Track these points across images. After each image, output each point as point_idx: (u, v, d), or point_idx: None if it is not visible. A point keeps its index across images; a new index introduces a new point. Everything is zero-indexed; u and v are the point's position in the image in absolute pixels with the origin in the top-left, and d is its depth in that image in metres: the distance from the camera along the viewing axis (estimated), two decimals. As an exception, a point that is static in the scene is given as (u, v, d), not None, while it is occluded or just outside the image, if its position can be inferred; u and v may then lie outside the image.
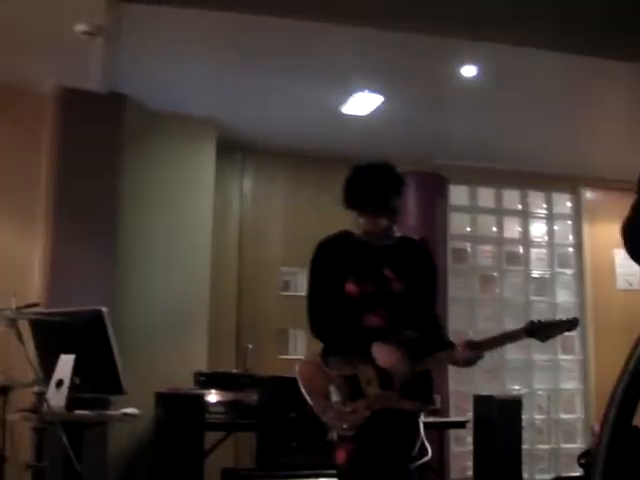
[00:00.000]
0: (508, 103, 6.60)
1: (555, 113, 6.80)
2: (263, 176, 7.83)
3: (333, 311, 3.39)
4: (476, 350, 3.21)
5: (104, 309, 4.72)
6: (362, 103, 6.55)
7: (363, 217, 3.43)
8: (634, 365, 0.85)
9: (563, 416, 8.29)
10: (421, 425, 3.36)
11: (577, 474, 7.17)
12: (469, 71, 5.96)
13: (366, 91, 6.35)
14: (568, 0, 5.15)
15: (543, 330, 3.19)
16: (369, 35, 5.36)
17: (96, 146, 6.32)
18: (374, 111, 6.68)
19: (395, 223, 3.48)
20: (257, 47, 5.63)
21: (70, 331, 4.66)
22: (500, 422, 6.35)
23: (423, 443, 3.33)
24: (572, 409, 8.33)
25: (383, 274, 3.39)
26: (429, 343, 3.33)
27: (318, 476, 5.38)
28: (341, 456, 3.28)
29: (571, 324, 3.26)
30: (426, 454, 3.37)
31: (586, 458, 6.82)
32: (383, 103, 6.53)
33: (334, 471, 3.36)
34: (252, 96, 6.56)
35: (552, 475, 7.32)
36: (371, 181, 3.42)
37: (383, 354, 3.24)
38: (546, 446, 8.20)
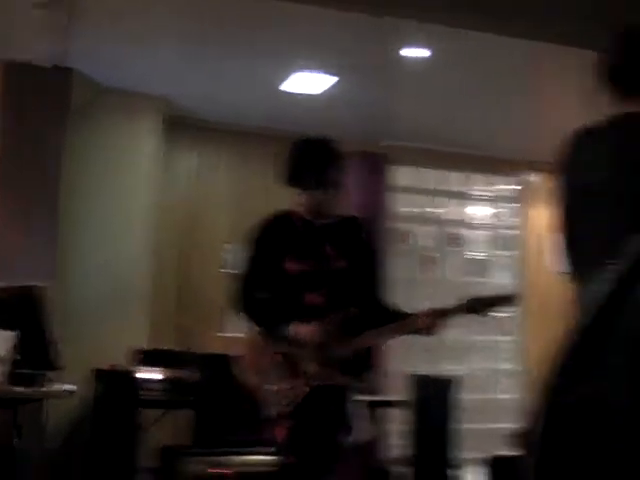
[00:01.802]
0: (457, 86, 6.62)
1: (502, 97, 6.84)
2: (210, 153, 7.77)
3: (272, 290, 3.38)
4: (442, 317, 3.25)
5: (40, 284, 4.66)
6: (309, 82, 6.53)
7: (303, 193, 3.42)
8: (570, 345, 0.86)
9: (499, 396, 8.40)
10: (358, 402, 3.37)
11: (513, 453, 7.26)
12: (419, 53, 5.95)
13: (314, 70, 6.33)
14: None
15: (482, 305, 3.25)
16: (318, 14, 5.31)
17: (41, 120, 6.22)
18: (324, 91, 6.67)
19: (335, 198, 3.46)
20: (206, 25, 5.57)
21: (6, 307, 4.60)
22: (436, 401, 6.41)
23: (359, 421, 3.35)
24: (508, 389, 8.44)
25: (324, 252, 3.39)
26: (371, 319, 3.34)
27: (256, 453, 5.39)
28: (280, 433, 3.28)
29: (509, 299, 3.32)
30: (362, 432, 3.38)
31: (522, 437, 6.91)
32: (333, 83, 6.52)
33: (273, 448, 3.36)
34: (201, 74, 6.52)
35: (488, 454, 7.40)
36: (308, 155, 3.41)
37: (302, 333, 3.25)
38: (482, 425, 8.30)
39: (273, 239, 3.44)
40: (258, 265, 3.43)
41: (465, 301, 3.27)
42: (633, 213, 2.19)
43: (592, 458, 1.56)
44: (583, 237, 2.39)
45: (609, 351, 1.39)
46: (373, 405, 6.47)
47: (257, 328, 3.41)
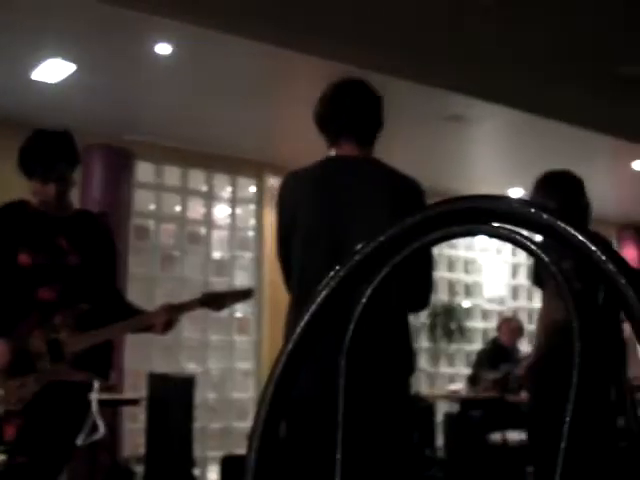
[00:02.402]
0: (200, 85, 6.65)
1: (245, 98, 6.94)
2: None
3: (3, 283, 3.24)
4: (177, 312, 3.24)
5: None
6: (53, 70, 6.30)
7: (34, 183, 3.32)
8: (291, 347, 0.89)
9: (236, 395, 8.51)
10: (94, 401, 3.31)
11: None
12: (164, 49, 5.92)
13: (59, 58, 6.12)
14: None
15: (217, 299, 3.30)
16: (59, 1, 5.17)
17: None
18: (66, 80, 6.45)
19: (66, 193, 3.38)
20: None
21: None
22: (174, 400, 6.40)
23: (95, 420, 3.28)
24: (245, 388, 8.56)
25: (58, 246, 3.29)
26: (106, 315, 3.28)
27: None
28: (9, 431, 3.15)
29: (245, 294, 3.40)
30: (98, 431, 3.31)
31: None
32: (76, 72, 6.32)
33: (2, 447, 3.23)
34: None
35: (223, 453, 7.49)
36: (40, 146, 3.31)
37: None
38: (218, 424, 8.38)
39: (6, 230, 3.30)
40: None
41: (200, 295, 3.30)
42: (332, 244, 2.69)
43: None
44: (293, 264, 2.89)
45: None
46: (110, 403, 6.36)
47: None
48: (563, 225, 0.77)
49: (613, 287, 0.76)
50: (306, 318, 0.89)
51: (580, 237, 0.77)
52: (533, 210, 0.79)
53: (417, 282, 2.85)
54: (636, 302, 0.75)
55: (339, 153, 2.89)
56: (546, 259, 0.81)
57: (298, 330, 0.89)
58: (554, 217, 0.78)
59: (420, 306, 2.99)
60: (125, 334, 3.67)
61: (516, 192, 9.75)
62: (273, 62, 6.16)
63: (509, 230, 0.83)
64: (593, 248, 0.76)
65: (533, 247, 0.82)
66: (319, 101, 2.99)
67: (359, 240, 0.89)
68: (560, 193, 3.77)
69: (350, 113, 2.88)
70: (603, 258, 0.76)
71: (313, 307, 0.89)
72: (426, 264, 2.89)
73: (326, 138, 2.95)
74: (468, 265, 10.67)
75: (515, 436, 6.84)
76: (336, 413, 0.93)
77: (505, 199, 0.82)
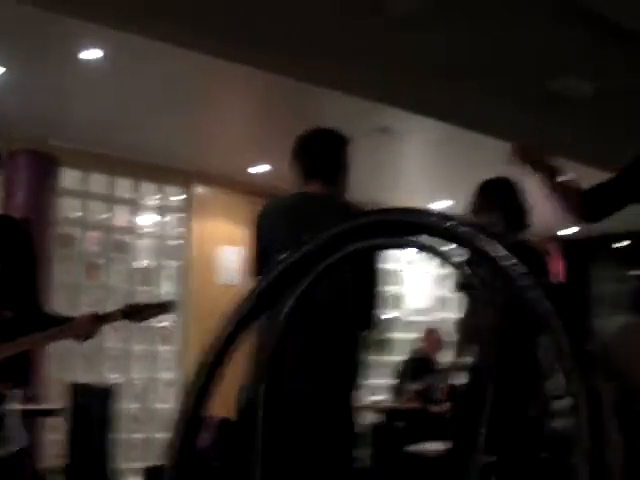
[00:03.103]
0: (130, 91, 6.58)
1: (175, 107, 6.89)
2: None
3: None
4: (100, 322, 3.21)
5: None
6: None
7: None
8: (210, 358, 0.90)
9: (159, 406, 8.43)
10: (13, 411, 3.24)
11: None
12: (93, 54, 5.85)
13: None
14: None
15: (139, 311, 3.28)
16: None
17: None
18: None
19: None
20: None
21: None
22: (95, 410, 6.32)
23: (14, 430, 3.22)
24: (168, 399, 8.48)
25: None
26: (28, 324, 3.23)
27: None
28: None
29: (167, 307, 3.40)
30: (20, 441, 3.25)
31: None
32: (3, 75, 6.21)
33: None
34: None
35: (146, 464, 7.41)
36: None
37: None
38: (141, 435, 8.28)
39: None
40: None
41: (122, 307, 3.29)
42: None
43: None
44: None
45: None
46: (30, 413, 6.24)
47: None
48: (481, 238, 0.79)
49: (526, 300, 0.78)
50: (228, 329, 0.90)
51: (496, 251, 0.78)
52: (453, 224, 0.81)
53: (361, 303, 3.23)
54: (553, 315, 0.77)
55: (307, 190, 3.43)
56: (467, 271, 0.83)
57: (218, 342, 0.90)
58: (474, 231, 0.80)
59: (364, 326, 3.32)
60: (46, 344, 3.63)
61: (443, 205, 9.86)
62: (202, 70, 6.14)
63: (430, 242, 0.85)
64: (507, 263, 0.78)
65: (455, 260, 0.84)
66: (293, 147, 3.53)
67: None
68: (500, 198, 3.96)
69: (315, 160, 3.46)
70: (516, 271, 0.78)
71: (236, 317, 0.90)
72: (371, 286, 3.27)
73: (299, 177, 3.47)
74: (393, 276, 10.75)
75: (436, 447, 6.91)
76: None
77: (425, 212, 0.84)
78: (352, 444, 3.32)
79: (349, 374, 3.23)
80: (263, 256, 3.29)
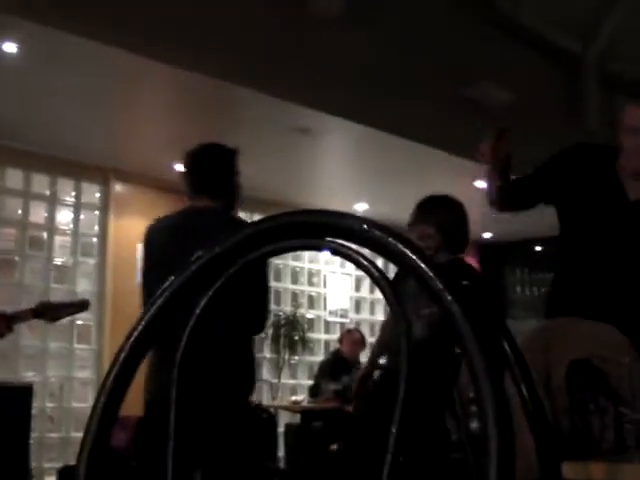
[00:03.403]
0: (46, 86, 6.47)
1: (92, 102, 6.81)
2: None
3: None
4: (9, 322, 3.17)
5: None
6: None
7: None
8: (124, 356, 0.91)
9: (75, 405, 8.31)
10: None
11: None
12: (9, 47, 5.75)
13: None
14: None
15: (52, 311, 3.26)
16: None
17: None
18: None
19: None
20: None
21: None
22: (10, 409, 6.22)
23: None
24: (84, 398, 8.36)
25: None
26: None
27: None
28: None
29: (81, 306, 3.39)
30: None
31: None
32: None
33: None
34: None
35: (61, 464, 7.30)
36: None
37: None
38: (57, 434, 8.16)
39: None
40: None
41: (34, 306, 3.26)
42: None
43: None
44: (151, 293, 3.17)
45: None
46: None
47: None
48: (394, 242, 0.81)
49: (441, 303, 0.81)
50: (139, 329, 0.90)
51: (409, 254, 0.81)
52: (366, 227, 0.83)
53: (252, 307, 3.32)
54: (461, 317, 0.80)
55: (195, 204, 3.56)
56: (376, 274, 0.86)
57: (130, 341, 0.90)
58: (386, 234, 0.82)
59: (256, 330, 3.48)
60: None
61: (362, 207, 9.94)
62: (119, 66, 6.07)
63: (343, 245, 0.86)
64: (422, 265, 0.81)
65: (365, 262, 0.86)
66: (183, 163, 3.68)
67: None
68: (437, 216, 4.03)
69: (202, 175, 3.58)
70: (430, 275, 0.80)
71: (146, 317, 0.91)
72: (262, 290, 3.38)
73: (188, 192, 3.61)
74: (312, 277, 10.79)
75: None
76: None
77: (338, 214, 0.86)
78: (246, 442, 3.47)
79: (243, 374, 3.35)
80: (154, 272, 3.42)
